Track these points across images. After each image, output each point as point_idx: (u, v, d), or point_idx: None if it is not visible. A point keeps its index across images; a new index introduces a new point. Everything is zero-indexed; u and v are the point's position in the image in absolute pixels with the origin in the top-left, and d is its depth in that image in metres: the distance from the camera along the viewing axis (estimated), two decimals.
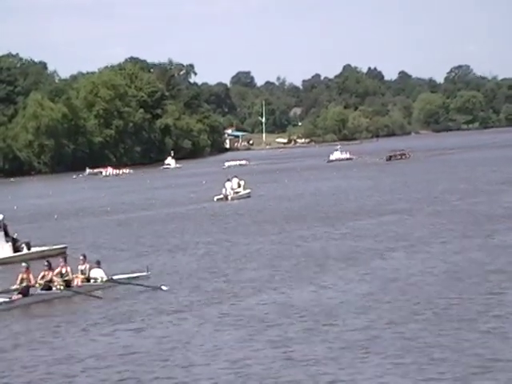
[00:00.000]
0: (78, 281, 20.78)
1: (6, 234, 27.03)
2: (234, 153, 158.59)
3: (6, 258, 26.41)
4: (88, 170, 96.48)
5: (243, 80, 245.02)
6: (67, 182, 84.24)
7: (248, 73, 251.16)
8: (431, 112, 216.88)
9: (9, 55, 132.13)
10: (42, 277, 20.13)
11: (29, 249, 27.27)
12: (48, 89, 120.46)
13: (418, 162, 76.67)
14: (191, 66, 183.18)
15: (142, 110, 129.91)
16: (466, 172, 56.18)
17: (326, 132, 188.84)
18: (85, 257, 21.56)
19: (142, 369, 13.55)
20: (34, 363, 14.43)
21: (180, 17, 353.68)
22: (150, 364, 13.81)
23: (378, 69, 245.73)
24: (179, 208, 43.59)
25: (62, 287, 20.20)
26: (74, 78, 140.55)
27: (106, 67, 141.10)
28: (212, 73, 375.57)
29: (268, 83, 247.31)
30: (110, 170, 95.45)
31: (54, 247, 27.62)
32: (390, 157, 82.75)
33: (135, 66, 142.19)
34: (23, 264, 20.26)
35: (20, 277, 19.82)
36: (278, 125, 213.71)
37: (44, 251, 27.01)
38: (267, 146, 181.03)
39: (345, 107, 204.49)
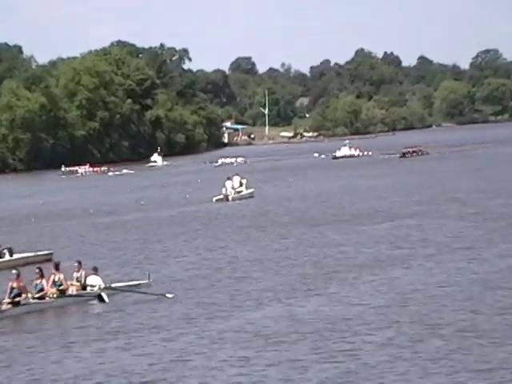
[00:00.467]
0: (73, 289, 20.97)
1: None
2: (233, 148, 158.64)
3: None
4: (64, 168, 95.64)
5: (243, 66, 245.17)
6: (45, 181, 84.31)
7: (249, 58, 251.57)
8: (455, 102, 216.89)
9: None
10: (34, 285, 20.26)
11: (11, 255, 27.41)
12: (24, 76, 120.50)
13: (437, 159, 76.71)
14: (185, 50, 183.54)
15: (129, 100, 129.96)
16: (493, 170, 56.19)
17: (336, 125, 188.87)
18: (80, 263, 21.71)
19: None
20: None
21: None
22: None
23: (395, 54, 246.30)
24: (173, 210, 43.63)
25: (55, 296, 20.36)
26: (53, 63, 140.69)
27: (90, 52, 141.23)
28: (208, 58, 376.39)
29: (271, 70, 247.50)
30: (87, 169, 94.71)
31: (39, 253, 27.83)
32: (404, 153, 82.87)
33: (122, 51, 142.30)
34: (13, 271, 20.38)
35: (10, 285, 19.96)
36: (283, 117, 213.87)
37: (28, 257, 27.21)
38: (270, 141, 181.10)
39: (357, 97, 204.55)
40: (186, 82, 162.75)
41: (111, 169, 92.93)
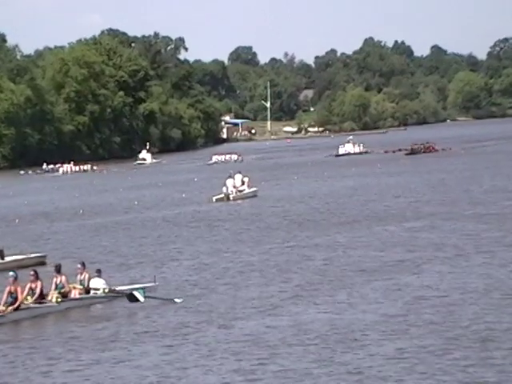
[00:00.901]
0: (75, 292, 20.98)
1: None
2: (233, 144, 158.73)
3: None
4: (45, 166, 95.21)
5: (243, 57, 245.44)
6: (28, 180, 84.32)
7: (249, 48, 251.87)
8: (471, 95, 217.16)
9: None
10: (30, 288, 20.25)
11: (2, 257, 27.47)
12: (8, 67, 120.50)
13: (450, 156, 76.65)
14: (181, 39, 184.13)
15: (121, 93, 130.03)
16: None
17: (343, 119, 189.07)
18: (83, 265, 21.73)
19: None
20: None
21: None
22: None
23: (407, 43, 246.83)
24: (168, 210, 43.59)
25: (58, 300, 20.38)
26: (39, 53, 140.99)
27: (79, 41, 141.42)
28: (206, 48, 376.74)
29: (273, 60, 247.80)
30: (67, 167, 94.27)
31: (32, 255, 27.90)
32: (413, 150, 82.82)
33: (113, 40, 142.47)
34: (10, 273, 20.35)
35: (8, 289, 19.94)
36: (286, 111, 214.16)
37: (21, 260, 27.29)
38: (272, 136, 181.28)
39: (366, 89, 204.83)
40: (182, 74, 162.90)
41: (94, 167, 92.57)
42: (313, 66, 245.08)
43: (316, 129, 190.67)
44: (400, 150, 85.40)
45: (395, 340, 16.18)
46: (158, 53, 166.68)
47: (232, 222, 36.50)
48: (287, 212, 38.94)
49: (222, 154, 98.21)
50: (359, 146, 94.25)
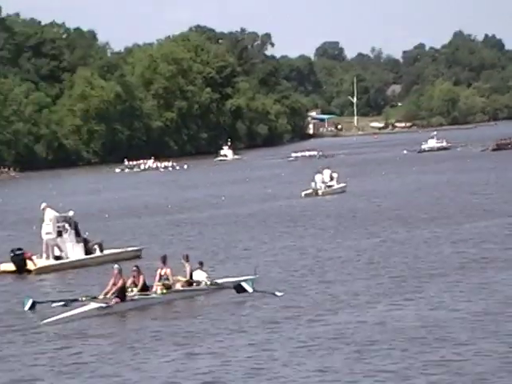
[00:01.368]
0: (179, 284, 21.29)
1: (78, 234, 27.78)
2: (319, 140, 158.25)
3: (78, 260, 27.26)
4: (126, 163, 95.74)
5: (330, 52, 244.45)
6: (116, 176, 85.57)
7: (336, 43, 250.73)
8: None
9: (53, 24, 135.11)
10: (133, 283, 20.68)
11: (101, 250, 28.05)
12: (98, 64, 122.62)
13: None
14: (267, 35, 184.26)
15: (208, 89, 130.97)
16: None
17: (431, 114, 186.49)
18: (187, 257, 21.91)
19: None
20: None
21: None
22: None
23: (497, 36, 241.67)
24: (257, 205, 43.72)
25: (163, 291, 20.74)
26: (128, 50, 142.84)
27: (167, 38, 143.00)
28: (293, 44, 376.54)
29: (360, 55, 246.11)
30: (148, 164, 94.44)
31: (129, 249, 28.50)
32: (498, 146, 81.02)
33: (201, 36, 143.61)
34: (115, 266, 20.88)
35: (112, 280, 20.44)
36: (373, 106, 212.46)
37: (119, 253, 27.86)
38: (359, 132, 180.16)
39: (455, 84, 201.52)
40: (269, 70, 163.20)
41: (175, 163, 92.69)
42: (400, 60, 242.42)
43: (403, 124, 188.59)
44: (487, 147, 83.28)
45: (484, 338, 15.95)
46: (245, 49, 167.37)
47: (320, 218, 36.47)
48: (376, 208, 38.75)
49: (302, 150, 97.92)
50: (443, 141, 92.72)
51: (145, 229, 36.91)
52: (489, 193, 42.17)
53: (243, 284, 20.53)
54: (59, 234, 27.21)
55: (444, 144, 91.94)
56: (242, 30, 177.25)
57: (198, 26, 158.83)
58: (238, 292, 20.47)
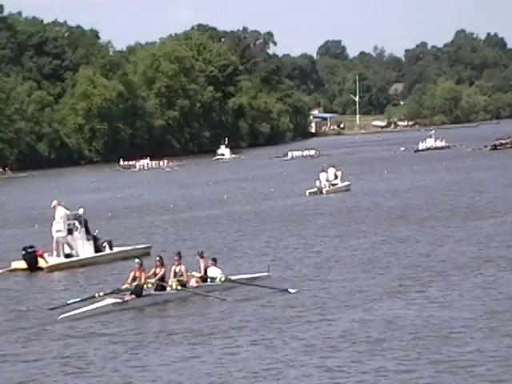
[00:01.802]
0: (193, 281, 21.35)
1: (87, 232, 27.84)
2: (321, 138, 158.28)
3: (89, 258, 27.32)
4: (122, 162, 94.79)
5: (332, 51, 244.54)
6: (115, 175, 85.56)
7: (338, 42, 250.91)
8: None
9: (55, 23, 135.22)
10: (154, 273, 20.77)
11: (111, 248, 28.12)
12: (101, 63, 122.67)
13: None
14: (270, 34, 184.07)
15: (211, 88, 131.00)
16: None
17: (433, 113, 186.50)
18: (202, 254, 22.01)
19: None
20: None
21: None
22: None
23: (500, 35, 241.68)
24: (261, 204, 43.54)
25: (178, 287, 20.80)
26: (131, 49, 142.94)
27: (169, 36, 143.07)
28: (295, 42, 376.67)
29: (363, 54, 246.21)
30: (143, 163, 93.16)
31: (138, 247, 28.57)
32: (496, 145, 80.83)
33: (203, 35, 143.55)
34: (136, 260, 20.93)
35: (132, 275, 20.52)
36: (375, 104, 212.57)
37: (128, 251, 27.98)
38: (361, 130, 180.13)
39: (457, 82, 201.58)
40: (271, 68, 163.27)
41: (170, 163, 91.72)
42: (403, 59, 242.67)
43: (406, 123, 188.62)
44: (485, 146, 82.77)
45: (489, 338, 15.83)
46: (247, 47, 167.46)
47: (327, 216, 36.37)
48: (380, 206, 38.65)
49: (299, 149, 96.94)
50: (441, 140, 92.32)
51: (149, 227, 36.78)
52: (490, 191, 42.08)
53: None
54: (70, 231, 27.33)
55: (442, 143, 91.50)
56: (245, 29, 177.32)
57: (200, 25, 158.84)
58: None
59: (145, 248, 28.33)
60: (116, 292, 20.41)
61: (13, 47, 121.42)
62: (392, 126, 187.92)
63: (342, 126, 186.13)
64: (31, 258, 26.43)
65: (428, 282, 21.18)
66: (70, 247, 27.34)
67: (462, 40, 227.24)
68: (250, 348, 16.07)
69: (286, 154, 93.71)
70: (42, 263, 26.48)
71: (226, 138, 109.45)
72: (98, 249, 27.64)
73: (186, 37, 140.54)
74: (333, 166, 50.43)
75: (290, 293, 20.36)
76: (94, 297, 20.26)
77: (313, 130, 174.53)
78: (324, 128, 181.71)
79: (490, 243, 26.27)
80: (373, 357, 15.10)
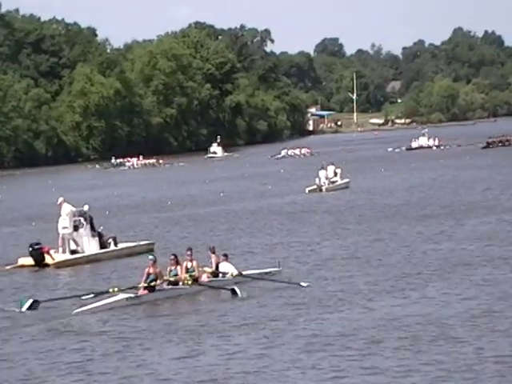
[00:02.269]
0: (205, 276, 21.57)
1: (93, 228, 28.14)
2: (319, 136, 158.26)
3: (94, 254, 27.61)
4: (114, 160, 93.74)
5: (330, 48, 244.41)
6: (109, 173, 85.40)
7: (336, 40, 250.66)
8: None
9: (52, 21, 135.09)
10: (170, 271, 21.04)
11: (116, 244, 28.42)
12: (98, 60, 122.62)
13: None
14: (267, 31, 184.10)
15: (208, 85, 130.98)
16: None
17: (431, 111, 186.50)
18: (213, 249, 22.28)
19: None
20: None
21: None
22: None
23: (497, 33, 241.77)
24: (260, 202, 43.59)
25: (189, 282, 21.03)
26: (128, 47, 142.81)
27: (167, 34, 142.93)
28: (292, 40, 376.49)
29: (360, 52, 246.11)
30: (134, 161, 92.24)
31: (142, 243, 28.93)
32: (488, 144, 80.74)
33: (201, 33, 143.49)
34: (150, 257, 21.23)
35: (146, 271, 20.78)
36: (373, 102, 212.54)
37: (132, 247, 28.41)
38: (359, 128, 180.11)
39: (454, 80, 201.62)
40: (269, 66, 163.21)
41: (160, 161, 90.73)
42: (400, 57, 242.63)
43: (403, 120, 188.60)
44: (477, 145, 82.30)
45: (487, 336, 15.86)
46: (245, 45, 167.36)
47: (327, 214, 36.49)
48: (379, 204, 38.81)
49: (291, 148, 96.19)
50: (434, 139, 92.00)
51: (147, 225, 36.86)
52: (487, 189, 42.16)
53: (235, 288, 20.49)
54: (75, 228, 27.60)
55: (435, 142, 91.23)
56: (242, 27, 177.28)
57: (197, 22, 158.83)
58: (232, 294, 20.44)
59: (148, 244, 28.72)
60: (130, 289, 20.67)
61: (10, 45, 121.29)
62: (389, 123, 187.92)
63: (339, 123, 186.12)
64: (38, 255, 26.73)
65: (424, 280, 21.25)
66: (76, 244, 27.64)
67: (459, 38, 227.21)
68: (243, 348, 16.02)
69: (278, 153, 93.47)
70: (48, 260, 26.79)
71: (219, 136, 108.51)
72: (102, 245, 27.98)
73: (184, 34, 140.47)
74: (332, 164, 50.57)
75: (303, 286, 20.60)
76: (107, 292, 20.53)
77: (310, 128, 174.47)
78: (321, 126, 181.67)
79: (487, 241, 26.35)
80: (371, 356, 15.12)
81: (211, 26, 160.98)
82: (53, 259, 26.73)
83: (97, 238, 27.88)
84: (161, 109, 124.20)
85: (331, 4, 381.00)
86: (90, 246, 27.69)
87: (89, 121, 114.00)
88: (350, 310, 18.48)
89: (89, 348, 16.66)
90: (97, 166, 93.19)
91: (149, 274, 20.67)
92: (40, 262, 26.67)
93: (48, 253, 26.80)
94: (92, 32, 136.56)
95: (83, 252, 27.53)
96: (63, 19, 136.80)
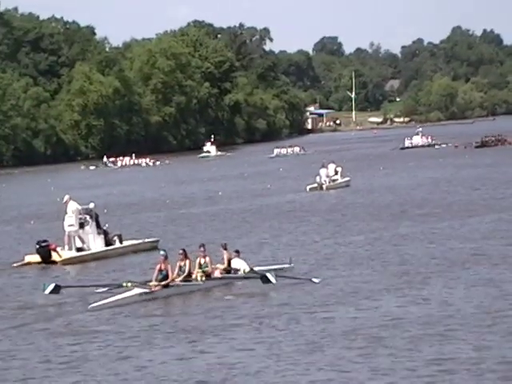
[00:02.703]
0: (217, 272, 21.77)
1: (98, 226, 28.33)
2: (318, 135, 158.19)
3: (100, 252, 27.81)
4: (105, 160, 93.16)
5: (329, 47, 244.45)
6: (109, 171, 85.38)
7: (334, 38, 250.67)
8: None
9: (51, 19, 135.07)
10: (179, 266, 21.24)
11: (121, 242, 28.63)
12: (97, 59, 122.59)
13: None
14: (266, 30, 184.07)
15: (207, 84, 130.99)
16: None
17: (429, 109, 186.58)
18: (225, 246, 22.49)
19: None
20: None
21: None
22: None
23: (496, 31, 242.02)
24: (258, 201, 43.59)
25: (203, 278, 21.23)
26: (127, 45, 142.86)
27: (165, 32, 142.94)
28: (291, 39, 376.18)
29: (359, 50, 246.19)
30: (126, 161, 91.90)
31: (147, 240, 29.19)
32: (483, 143, 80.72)
33: (200, 31, 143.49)
34: (161, 252, 21.44)
35: (158, 267, 20.99)
36: (371, 101, 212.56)
37: (137, 244, 28.68)
38: (357, 127, 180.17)
39: (453, 79, 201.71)
40: (267, 64, 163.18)
41: (152, 160, 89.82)
42: (399, 55, 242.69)
43: (402, 119, 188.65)
44: (471, 144, 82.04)
45: (487, 334, 15.90)
46: (244, 44, 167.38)
47: (327, 212, 36.60)
48: (379, 202, 38.91)
49: (284, 146, 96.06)
50: (427, 138, 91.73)
51: (147, 223, 36.81)
52: (487, 188, 42.24)
53: (268, 275, 20.76)
54: (81, 225, 27.84)
55: (429, 141, 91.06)
56: (241, 25, 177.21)
57: (196, 21, 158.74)
58: (264, 283, 20.75)
59: (153, 242, 28.99)
60: (143, 283, 20.87)
61: (9, 43, 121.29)
62: (388, 122, 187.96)
63: (338, 122, 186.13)
64: (45, 252, 26.96)
65: (423, 278, 21.28)
66: (82, 241, 27.86)
67: (458, 36, 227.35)
68: (244, 347, 16.06)
69: (272, 151, 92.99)
70: (55, 257, 27.04)
71: (212, 136, 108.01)
72: (108, 243, 28.20)
73: (183, 33, 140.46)
74: (333, 162, 50.61)
75: (315, 282, 20.78)
76: (121, 285, 20.80)
77: (309, 127, 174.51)
78: (320, 124, 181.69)
79: (487, 240, 26.35)
80: (369, 354, 15.18)
81: (210, 25, 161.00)
82: (60, 256, 26.99)
83: (102, 236, 28.09)
84: (160, 107, 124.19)
85: (330, 3, 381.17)
86: (95, 243, 27.92)
87: (88, 119, 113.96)
88: (351, 309, 18.54)
89: (89, 347, 16.73)
90: (87, 166, 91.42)
91: (160, 270, 20.85)
92: (47, 259, 26.92)
93: (55, 250, 27.07)
94: (91, 30, 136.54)
95: (89, 249, 27.78)
96: (62, 18, 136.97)
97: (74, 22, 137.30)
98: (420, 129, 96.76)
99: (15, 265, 26.79)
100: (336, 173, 49.41)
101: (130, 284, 20.72)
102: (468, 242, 26.35)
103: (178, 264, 21.22)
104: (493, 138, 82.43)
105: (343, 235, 29.40)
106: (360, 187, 46.98)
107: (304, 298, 19.74)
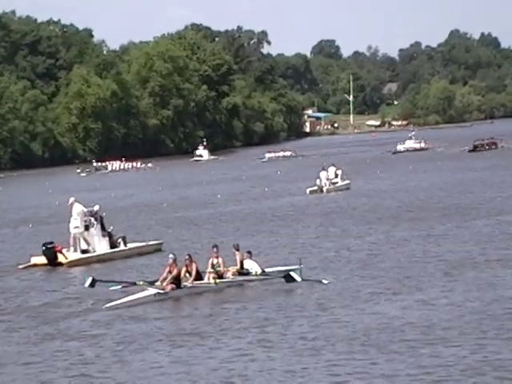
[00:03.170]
0: (229, 273, 21.97)
1: (103, 228, 28.60)
2: (315, 138, 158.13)
3: (104, 254, 28.08)
4: (95, 164, 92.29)
5: (326, 50, 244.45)
6: (99, 175, 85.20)
7: (332, 41, 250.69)
8: None
9: (49, 22, 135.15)
10: (187, 271, 21.45)
11: (125, 244, 28.93)
12: (95, 62, 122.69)
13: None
14: (264, 33, 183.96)
15: (205, 87, 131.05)
16: None
17: (427, 113, 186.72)
18: (237, 246, 22.68)
19: None
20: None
21: None
22: None
23: (493, 34, 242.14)
24: (258, 204, 43.66)
25: (215, 280, 21.44)
26: (124, 48, 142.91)
27: (163, 36, 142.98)
28: (289, 42, 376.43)
29: (356, 54, 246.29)
30: (116, 165, 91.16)
31: (151, 243, 29.55)
32: (475, 147, 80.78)
33: (197, 34, 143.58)
34: (170, 255, 21.65)
35: (167, 269, 21.23)
36: (369, 104, 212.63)
37: (141, 247, 29.05)
38: (355, 130, 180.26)
39: (451, 82, 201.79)
40: (265, 67, 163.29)
41: (143, 164, 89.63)
42: (397, 58, 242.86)
43: (400, 122, 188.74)
44: (464, 148, 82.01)
45: (485, 338, 16.00)
46: (241, 47, 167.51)
47: (327, 215, 36.77)
48: (380, 205, 39.05)
49: (275, 151, 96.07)
50: (420, 142, 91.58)
51: (145, 227, 36.86)
52: (484, 192, 42.37)
53: (292, 274, 21.02)
54: (86, 227, 28.08)
55: (422, 145, 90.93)
56: (239, 28, 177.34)
57: (194, 24, 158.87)
58: (288, 281, 21.00)
59: (157, 244, 29.34)
60: (153, 283, 21.12)
61: (6, 46, 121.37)
62: (386, 125, 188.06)
63: (336, 125, 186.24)
64: (51, 254, 27.21)
65: (423, 281, 21.35)
66: (87, 243, 28.10)
67: (455, 40, 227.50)
68: (242, 353, 16.10)
69: (262, 157, 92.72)
70: (61, 258, 27.29)
71: (205, 139, 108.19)
72: (112, 245, 28.47)
73: (180, 36, 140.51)
74: (333, 165, 50.77)
75: (324, 283, 20.98)
76: (135, 283, 21.15)
77: (307, 130, 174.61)
78: (318, 127, 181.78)
79: (486, 244, 26.49)
80: (367, 357, 15.28)
81: (208, 28, 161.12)
82: (66, 258, 27.21)
83: (107, 238, 28.34)
84: (157, 110, 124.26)
85: (328, 6, 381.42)
86: (100, 245, 28.17)
87: (85, 122, 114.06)
88: (351, 312, 18.65)
89: (90, 351, 16.81)
90: (82, 170, 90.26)
91: (170, 273, 21.07)
92: (53, 261, 27.18)
93: (61, 252, 27.31)
94: (88, 33, 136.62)
95: (94, 251, 28.02)
96: (60, 20, 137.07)
97: (71, 24, 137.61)
98: (413, 133, 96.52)
99: (21, 266, 27.05)
100: (336, 176, 49.58)
101: (141, 283, 21.05)
102: (467, 245, 26.46)
103: (184, 269, 21.37)
104: (485, 142, 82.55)
105: (344, 238, 29.51)
106: (360, 190, 47.11)
107: (304, 302, 19.84)
